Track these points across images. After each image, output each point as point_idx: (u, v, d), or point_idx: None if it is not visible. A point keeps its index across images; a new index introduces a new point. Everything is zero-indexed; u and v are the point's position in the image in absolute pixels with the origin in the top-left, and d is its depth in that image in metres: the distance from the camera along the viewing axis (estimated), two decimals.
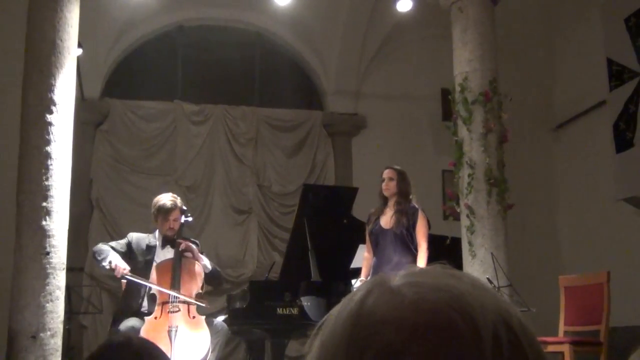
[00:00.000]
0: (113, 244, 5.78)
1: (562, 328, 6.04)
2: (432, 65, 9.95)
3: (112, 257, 5.50)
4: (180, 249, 5.67)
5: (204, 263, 5.80)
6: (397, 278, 0.66)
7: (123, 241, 5.82)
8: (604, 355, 5.67)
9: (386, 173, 6.04)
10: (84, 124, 8.69)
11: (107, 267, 5.47)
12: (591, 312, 5.91)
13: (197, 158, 9.83)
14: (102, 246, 5.68)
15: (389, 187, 5.97)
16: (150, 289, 5.60)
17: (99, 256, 5.55)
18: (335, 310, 0.66)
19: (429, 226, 5.93)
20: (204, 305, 5.55)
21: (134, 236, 5.85)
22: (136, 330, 5.29)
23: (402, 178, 5.97)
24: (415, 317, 0.60)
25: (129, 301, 5.64)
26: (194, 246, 5.79)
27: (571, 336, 5.86)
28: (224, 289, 8.60)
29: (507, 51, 8.24)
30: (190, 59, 10.30)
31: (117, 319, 5.63)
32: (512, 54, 9.40)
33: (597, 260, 8.42)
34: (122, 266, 5.44)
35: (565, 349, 5.56)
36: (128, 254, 5.69)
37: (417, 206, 5.92)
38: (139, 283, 5.54)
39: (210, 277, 5.90)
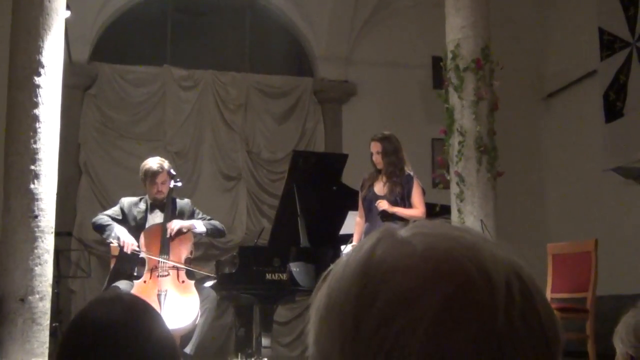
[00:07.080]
0: (110, 212, 5.76)
1: (549, 295, 6.08)
2: (423, 32, 9.88)
3: (118, 231, 5.51)
4: (169, 236, 5.63)
5: (198, 231, 5.80)
6: (403, 230, 0.65)
7: (116, 208, 5.80)
8: (590, 323, 5.73)
9: (372, 147, 5.95)
10: (72, 87, 8.59)
11: (115, 243, 5.48)
12: (578, 280, 5.96)
13: (186, 123, 9.76)
14: (102, 218, 5.66)
15: (377, 160, 5.92)
16: (140, 253, 5.59)
17: (104, 232, 5.58)
18: (342, 260, 0.65)
19: (424, 194, 5.95)
20: (204, 273, 5.61)
21: (125, 202, 5.84)
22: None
23: (387, 146, 5.88)
24: (427, 265, 0.59)
25: (124, 265, 5.63)
26: (184, 229, 5.75)
27: (558, 303, 5.91)
28: (212, 254, 8.64)
29: (498, 19, 8.18)
30: (180, 23, 10.17)
31: (110, 283, 5.63)
32: (504, 22, 9.34)
33: (585, 229, 8.48)
34: (130, 242, 5.45)
35: None
36: (122, 220, 5.69)
37: (411, 174, 5.92)
38: (139, 252, 5.54)
39: (210, 235, 6.06)
